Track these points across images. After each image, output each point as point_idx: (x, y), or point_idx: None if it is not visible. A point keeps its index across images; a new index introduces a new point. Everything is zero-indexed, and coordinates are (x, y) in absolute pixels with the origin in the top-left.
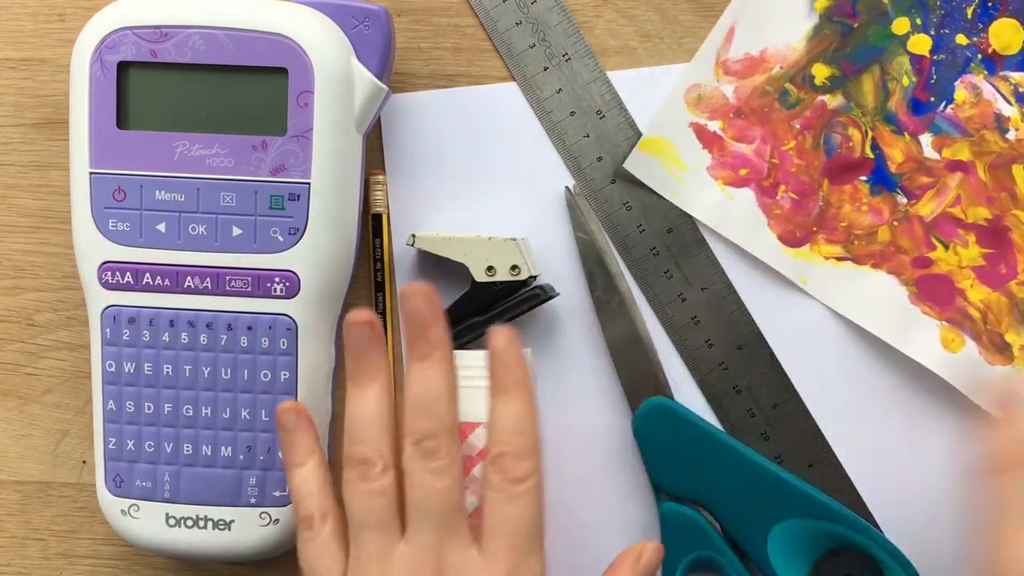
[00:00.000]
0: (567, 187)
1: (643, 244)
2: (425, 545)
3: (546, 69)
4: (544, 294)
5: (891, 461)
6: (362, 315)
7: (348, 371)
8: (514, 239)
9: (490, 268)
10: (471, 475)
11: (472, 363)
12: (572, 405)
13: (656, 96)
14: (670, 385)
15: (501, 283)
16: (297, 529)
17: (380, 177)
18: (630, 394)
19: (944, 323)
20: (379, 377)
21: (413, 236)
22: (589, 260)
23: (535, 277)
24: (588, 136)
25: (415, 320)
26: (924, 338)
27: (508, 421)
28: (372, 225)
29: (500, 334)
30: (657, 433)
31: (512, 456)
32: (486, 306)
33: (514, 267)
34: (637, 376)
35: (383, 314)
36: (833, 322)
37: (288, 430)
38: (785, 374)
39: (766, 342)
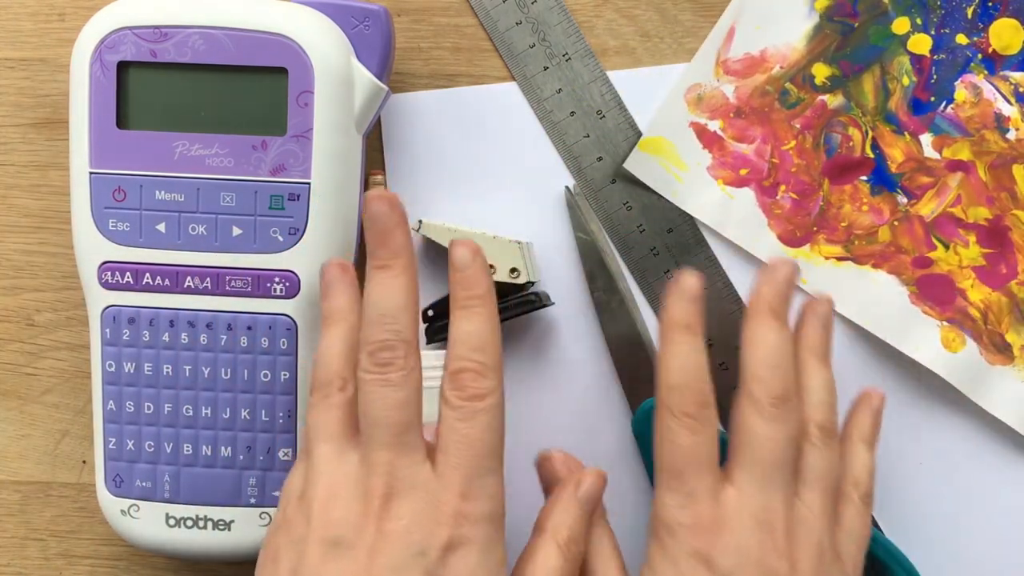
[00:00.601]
0: (567, 187)
1: (643, 244)
2: (376, 460)
3: (546, 69)
4: (539, 301)
5: (891, 460)
6: (334, 267)
7: (322, 309)
8: (518, 242)
9: (490, 267)
10: None
11: (428, 363)
12: (571, 407)
13: (656, 96)
14: None
15: (498, 283)
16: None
17: (379, 177)
18: (630, 395)
19: (945, 323)
20: (346, 316)
21: (420, 221)
22: (589, 260)
23: (533, 283)
24: (588, 136)
25: (377, 225)
26: (925, 338)
27: (468, 337)
28: None
29: (461, 246)
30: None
31: (471, 373)
32: None
33: (513, 270)
34: (637, 376)
35: None
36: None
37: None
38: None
39: None
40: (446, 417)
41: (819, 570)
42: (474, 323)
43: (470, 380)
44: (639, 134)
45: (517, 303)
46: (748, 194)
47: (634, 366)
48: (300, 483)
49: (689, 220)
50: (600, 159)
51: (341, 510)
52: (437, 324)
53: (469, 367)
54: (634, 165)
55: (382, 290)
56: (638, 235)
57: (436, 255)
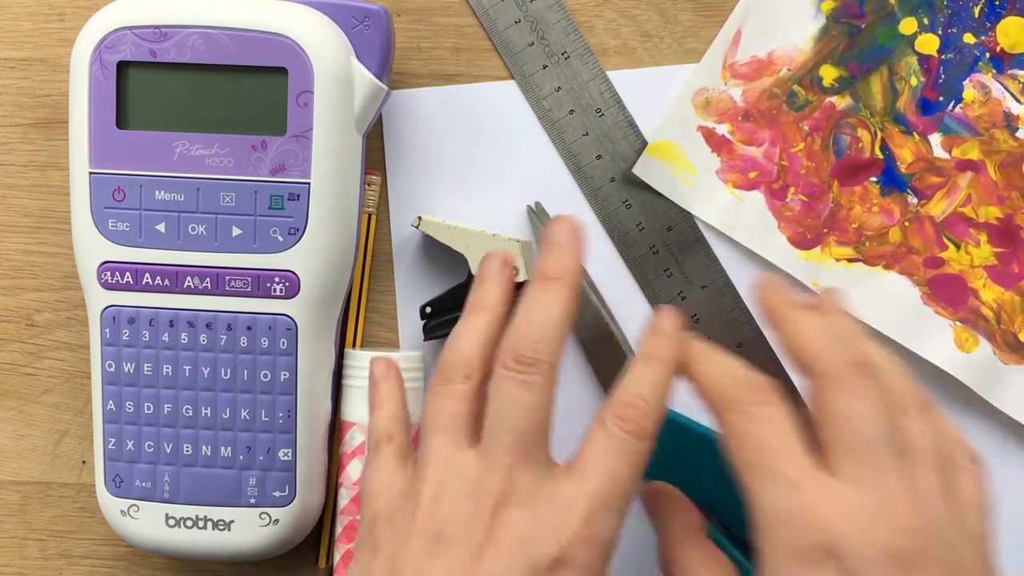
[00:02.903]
0: (529, 205)
1: (643, 242)
2: (496, 462)
3: (545, 67)
4: None
5: None
6: (496, 259)
7: (470, 298)
8: (518, 240)
9: None
10: (345, 472)
11: (360, 363)
12: (571, 405)
13: (657, 96)
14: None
15: None
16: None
17: (374, 177)
18: None
19: (957, 323)
20: (493, 308)
21: (419, 218)
22: None
23: None
24: (587, 134)
25: (555, 241)
26: (938, 339)
27: (640, 379)
28: (368, 225)
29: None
30: None
31: (638, 411)
32: None
33: (512, 268)
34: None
35: (357, 316)
36: None
37: (376, 380)
38: (786, 373)
39: (766, 340)
40: (597, 442)
41: (952, 556)
42: (653, 370)
43: (635, 415)
44: (638, 133)
45: (514, 302)
46: (757, 197)
47: (614, 373)
48: (390, 482)
49: (689, 218)
50: (599, 157)
51: (450, 506)
52: (435, 322)
53: (638, 403)
54: (643, 170)
55: (540, 304)
56: (637, 233)
57: (434, 252)
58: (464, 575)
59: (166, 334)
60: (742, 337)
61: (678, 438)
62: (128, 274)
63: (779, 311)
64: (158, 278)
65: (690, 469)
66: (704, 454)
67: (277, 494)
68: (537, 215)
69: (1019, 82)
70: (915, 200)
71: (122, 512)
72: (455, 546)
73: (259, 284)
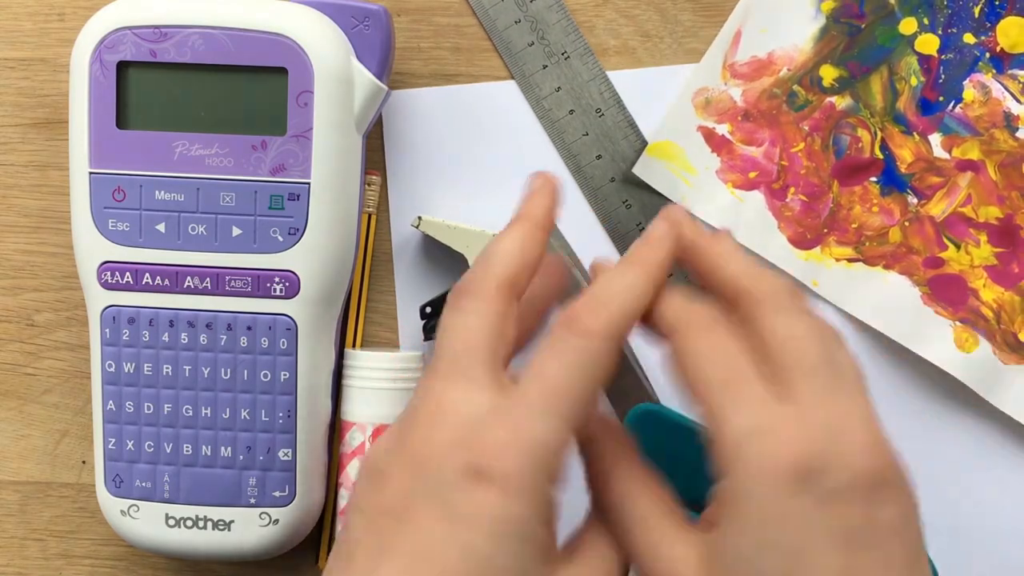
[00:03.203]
0: None
1: None
2: (428, 387)
3: (545, 67)
4: None
5: (907, 461)
6: None
7: None
8: None
9: None
10: (345, 472)
11: (360, 363)
12: None
13: (657, 96)
14: (656, 390)
15: None
16: None
17: (374, 177)
18: (616, 405)
19: (957, 323)
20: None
21: (419, 218)
22: None
23: None
24: (587, 134)
25: (530, 189)
26: (938, 339)
27: (606, 285)
28: (368, 225)
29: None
30: (647, 440)
31: (585, 307)
32: None
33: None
34: (620, 387)
35: (357, 316)
36: (839, 320)
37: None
38: None
39: None
40: (539, 349)
41: (905, 474)
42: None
43: (583, 314)
44: (638, 133)
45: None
46: (758, 197)
47: (617, 378)
48: None
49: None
50: (599, 157)
51: (385, 439)
52: (434, 322)
53: (588, 302)
54: (643, 170)
55: (499, 237)
56: (637, 233)
57: (434, 252)
58: (380, 500)
59: (166, 334)
60: None
61: (661, 431)
62: (128, 274)
63: (702, 241)
64: (158, 278)
65: (674, 462)
66: (699, 452)
67: (277, 494)
68: None
69: (1019, 82)
70: (915, 200)
71: (122, 512)
72: (380, 473)
73: (259, 284)
